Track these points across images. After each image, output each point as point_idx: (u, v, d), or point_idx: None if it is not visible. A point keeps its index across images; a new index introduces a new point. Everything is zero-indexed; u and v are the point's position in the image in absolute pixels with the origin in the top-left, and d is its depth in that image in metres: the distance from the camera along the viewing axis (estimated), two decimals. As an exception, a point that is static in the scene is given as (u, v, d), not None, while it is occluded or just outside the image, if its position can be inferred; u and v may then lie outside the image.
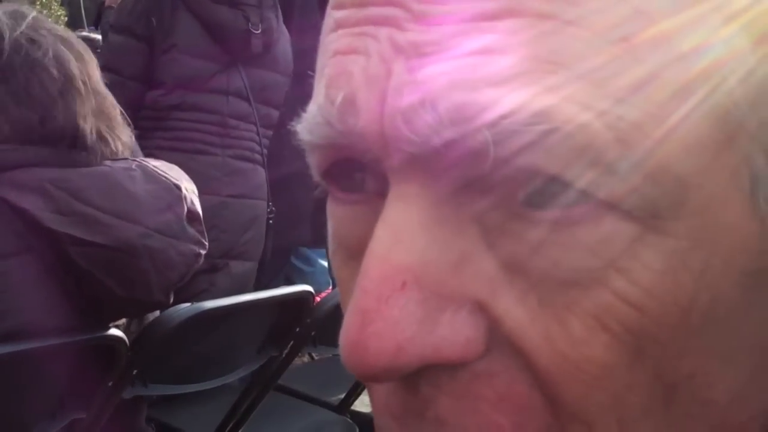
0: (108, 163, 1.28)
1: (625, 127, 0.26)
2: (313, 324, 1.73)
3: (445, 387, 0.29)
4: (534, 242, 0.27)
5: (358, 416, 2.15)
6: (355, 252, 0.31)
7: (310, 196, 2.80)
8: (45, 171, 1.20)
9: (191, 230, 1.32)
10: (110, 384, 1.37)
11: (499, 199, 0.28)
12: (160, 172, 1.32)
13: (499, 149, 0.26)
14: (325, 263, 3.30)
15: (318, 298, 1.81)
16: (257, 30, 2.37)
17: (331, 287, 3.04)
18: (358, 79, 0.29)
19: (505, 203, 0.28)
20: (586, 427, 0.28)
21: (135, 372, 1.41)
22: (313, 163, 0.33)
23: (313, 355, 2.83)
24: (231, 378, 1.69)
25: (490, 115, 0.26)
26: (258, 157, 2.49)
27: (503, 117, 0.26)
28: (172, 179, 1.32)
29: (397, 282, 0.27)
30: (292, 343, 1.77)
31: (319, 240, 2.96)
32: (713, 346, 0.29)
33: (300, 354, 2.00)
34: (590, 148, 0.26)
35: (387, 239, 0.28)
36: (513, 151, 0.26)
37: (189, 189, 1.35)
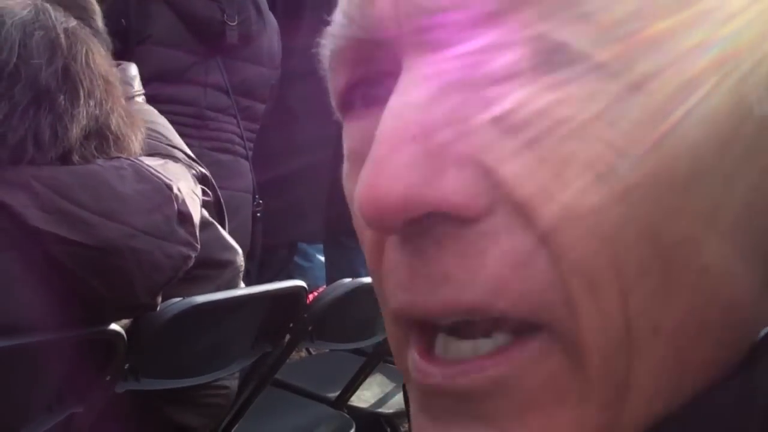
0: (99, 162, 1.26)
1: None
2: (310, 319, 1.73)
3: (451, 246, 0.30)
4: (531, 102, 0.30)
5: (354, 411, 2.15)
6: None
7: (311, 193, 2.80)
8: (34, 168, 1.18)
9: (181, 231, 1.29)
10: (108, 378, 1.37)
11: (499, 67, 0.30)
12: (153, 171, 1.30)
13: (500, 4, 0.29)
14: (323, 259, 3.29)
15: (316, 293, 1.81)
16: (233, 22, 2.34)
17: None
18: None
19: (505, 71, 0.30)
20: (587, 281, 0.30)
21: (127, 366, 1.41)
22: (336, 83, 0.36)
23: (311, 350, 2.84)
24: (224, 373, 1.68)
25: None
26: (240, 149, 2.46)
27: None
28: (164, 179, 1.30)
29: (408, 134, 0.30)
30: (289, 338, 1.77)
31: (329, 232, 2.96)
32: (696, 209, 0.30)
33: (297, 349, 2.00)
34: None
35: (400, 102, 0.30)
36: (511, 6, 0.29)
37: (183, 190, 1.33)
